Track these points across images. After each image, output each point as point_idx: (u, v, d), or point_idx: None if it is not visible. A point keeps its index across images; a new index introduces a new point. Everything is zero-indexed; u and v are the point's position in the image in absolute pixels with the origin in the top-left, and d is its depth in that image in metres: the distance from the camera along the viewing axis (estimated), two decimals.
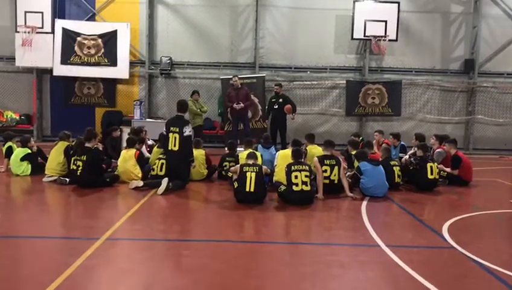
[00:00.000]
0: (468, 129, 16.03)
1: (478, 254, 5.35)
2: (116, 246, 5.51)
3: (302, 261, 5.13)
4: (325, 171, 8.32)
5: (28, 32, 14.81)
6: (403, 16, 15.22)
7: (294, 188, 7.58)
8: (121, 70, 15.13)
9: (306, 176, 7.65)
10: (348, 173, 8.98)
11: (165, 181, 8.21)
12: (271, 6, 15.42)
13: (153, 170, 9.15)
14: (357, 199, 8.16)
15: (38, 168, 9.50)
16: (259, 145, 9.95)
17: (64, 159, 9.17)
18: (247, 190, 7.49)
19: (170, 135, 8.62)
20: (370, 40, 15.10)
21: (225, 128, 14.44)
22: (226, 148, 10.39)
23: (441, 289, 4.41)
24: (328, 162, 8.39)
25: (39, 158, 9.84)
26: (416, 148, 10.14)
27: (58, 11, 15.11)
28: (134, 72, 15.59)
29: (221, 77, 14.79)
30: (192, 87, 14.68)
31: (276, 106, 13.27)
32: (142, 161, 9.40)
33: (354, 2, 14.94)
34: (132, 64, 15.43)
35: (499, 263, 5.05)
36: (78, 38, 15.04)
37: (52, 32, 14.93)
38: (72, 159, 8.71)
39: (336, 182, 8.36)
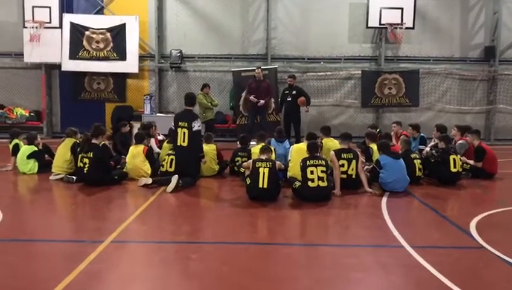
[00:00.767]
0: (489, 119, 15.42)
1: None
2: (122, 249, 5.19)
3: (320, 264, 4.76)
4: (342, 165, 7.92)
5: (36, 28, 14.53)
6: (420, 2, 14.61)
7: (310, 184, 7.19)
8: (130, 64, 14.80)
9: (322, 171, 7.25)
10: (366, 167, 8.56)
11: (174, 178, 7.88)
12: None
13: (163, 166, 8.84)
14: (376, 195, 7.76)
15: (45, 166, 9.25)
16: (273, 139, 9.61)
17: (71, 156, 8.91)
18: (260, 186, 7.13)
19: (179, 130, 8.28)
20: (386, 28, 14.56)
21: (237, 122, 14.09)
22: (238, 143, 10.03)
23: None
24: (345, 155, 7.99)
25: (46, 155, 9.58)
26: (437, 140, 9.65)
27: (66, 6, 14.82)
28: (144, 66, 15.25)
29: (233, 69, 14.41)
30: (203, 80, 14.31)
31: (290, 98, 12.84)
32: (151, 157, 9.08)
33: None
34: (141, 58, 15.07)
35: None
36: (87, 33, 14.74)
37: (60, 27, 14.63)
38: (79, 156, 8.43)
39: (353, 176, 7.97)
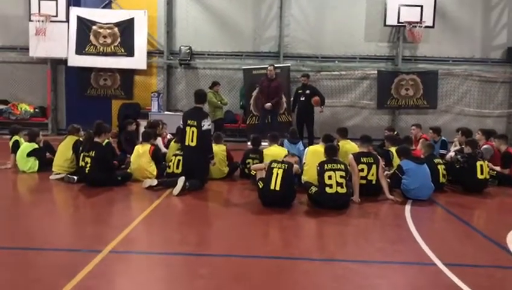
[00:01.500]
0: (510, 123, 14.75)
1: None
2: (121, 261, 4.66)
3: (343, 284, 4.20)
4: (362, 170, 7.36)
5: (42, 21, 14.12)
6: (440, 0, 14.02)
7: (328, 190, 6.63)
8: (138, 60, 14.35)
9: (341, 176, 6.70)
10: (387, 172, 7.98)
11: (181, 180, 7.36)
12: None
13: (169, 167, 8.33)
14: (398, 202, 7.19)
15: (46, 165, 8.77)
16: (285, 141, 9.09)
17: (72, 155, 8.42)
18: (272, 187, 6.59)
19: (187, 128, 7.75)
20: (404, 26, 13.97)
21: (247, 122, 13.58)
22: (249, 143, 9.48)
23: None
24: (365, 160, 7.43)
25: (48, 153, 9.11)
26: (463, 144, 9.05)
27: None
28: (152, 63, 14.80)
29: (243, 67, 13.91)
30: (213, 78, 13.83)
31: (303, 98, 12.30)
32: (157, 157, 8.57)
33: None
34: (150, 54, 14.62)
35: None
36: (94, 27, 14.32)
37: (67, 20, 14.22)
38: (81, 155, 7.93)
39: (373, 182, 7.40)
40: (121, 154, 9.74)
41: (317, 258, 4.90)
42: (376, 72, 14.45)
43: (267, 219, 6.20)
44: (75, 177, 7.95)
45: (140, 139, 9.00)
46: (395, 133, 10.92)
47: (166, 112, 13.97)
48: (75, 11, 14.26)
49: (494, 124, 14.36)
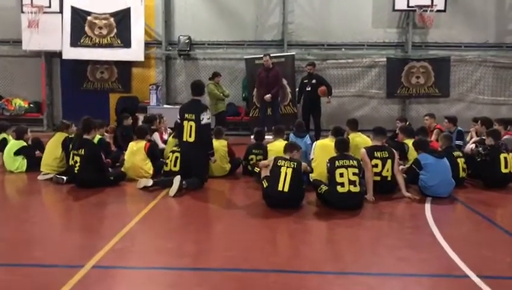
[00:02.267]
0: None
1: None
2: (104, 279, 4.03)
3: None
4: (376, 165, 6.71)
5: (35, 13, 13.55)
6: None
7: (340, 189, 6.01)
8: (135, 52, 13.79)
9: (354, 173, 6.07)
10: (402, 167, 7.34)
11: (176, 180, 6.74)
12: None
13: (166, 165, 7.72)
14: (415, 200, 6.56)
15: (35, 164, 8.15)
16: (291, 134, 8.47)
17: (62, 153, 7.81)
18: (280, 189, 5.98)
19: (185, 123, 7.13)
20: (414, 11, 13.27)
21: (251, 114, 12.95)
22: (252, 138, 8.86)
23: None
24: (379, 154, 6.78)
25: (38, 151, 8.52)
26: (481, 135, 8.39)
27: None
28: (150, 54, 14.21)
29: (245, 57, 13.29)
30: (214, 68, 13.19)
31: (309, 88, 11.64)
32: (154, 153, 7.98)
33: None
34: (147, 45, 14.04)
35: None
36: (89, 18, 13.75)
37: (61, 11, 13.66)
38: (71, 153, 7.33)
39: (388, 178, 6.76)
40: (117, 150, 9.17)
41: (329, 271, 4.24)
42: (385, 59, 13.79)
43: (272, 223, 5.59)
44: (64, 178, 7.34)
45: (135, 135, 8.39)
46: (407, 123, 10.27)
47: (165, 106, 13.46)
48: (69, 2, 13.68)
49: (509, 112, 13.66)
